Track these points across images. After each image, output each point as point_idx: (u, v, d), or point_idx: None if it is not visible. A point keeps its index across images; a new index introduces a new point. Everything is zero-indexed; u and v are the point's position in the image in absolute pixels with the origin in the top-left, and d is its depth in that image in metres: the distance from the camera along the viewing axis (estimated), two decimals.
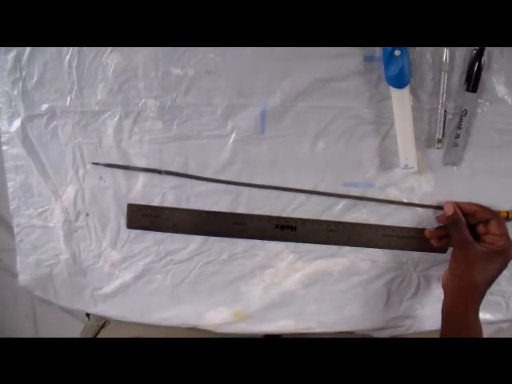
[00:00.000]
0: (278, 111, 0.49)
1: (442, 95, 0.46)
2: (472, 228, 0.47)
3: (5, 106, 0.51)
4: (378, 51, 0.46)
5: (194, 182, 0.52)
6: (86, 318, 0.63)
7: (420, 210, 0.51)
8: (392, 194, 0.51)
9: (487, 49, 0.45)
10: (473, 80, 0.46)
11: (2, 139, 0.53)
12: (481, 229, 0.47)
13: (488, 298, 0.46)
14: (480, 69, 0.45)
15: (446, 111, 0.47)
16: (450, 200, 0.49)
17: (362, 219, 0.52)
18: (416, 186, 0.50)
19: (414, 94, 0.47)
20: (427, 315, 0.55)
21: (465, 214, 0.47)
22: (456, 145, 0.48)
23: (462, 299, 0.46)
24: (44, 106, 0.51)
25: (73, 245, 0.56)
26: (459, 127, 0.47)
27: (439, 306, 0.48)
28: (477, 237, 0.47)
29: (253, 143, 0.50)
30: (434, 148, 0.48)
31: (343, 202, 0.51)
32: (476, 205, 0.48)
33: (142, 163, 0.52)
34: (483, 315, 0.46)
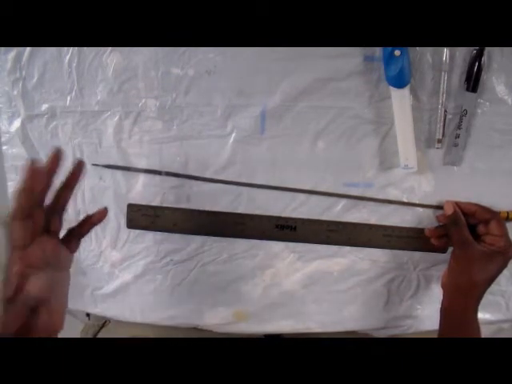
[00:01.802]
0: (278, 111, 0.49)
1: (442, 95, 0.46)
2: (472, 228, 0.47)
3: (5, 106, 0.51)
4: (378, 51, 0.46)
5: (194, 182, 0.52)
6: (86, 318, 0.63)
7: (420, 209, 0.51)
8: (392, 194, 0.51)
9: (487, 49, 0.45)
10: (473, 80, 0.46)
11: (2, 139, 0.53)
12: (481, 229, 0.47)
13: (488, 297, 0.46)
14: (480, 69, 0.45)
15: (446, 111, 0.47)
16: (449, 200, 0.49)
17: (362, 219, 0.52)
18: (416, 186, 0.50)
19: (414, 94, 0.47)
20: (427, 315, 0.55)
21: (465, 214, 0.47)
22: (456, 145, 0.48)
23: (461, 298, 0.46)
24: (44, 106, 0.51)
25: None
26: (459, 127, 0.47)
27: (439, 306, 0.48)
28: (477, 237, 0.47)
29: (253, 143, 0.50)
30: (434, 148, 0.48)
31: (343, 202, 0.51)
32: (476, 205, 0.48)
33: (142, 163, 0.52)
34: (483, 315, 0.47)
